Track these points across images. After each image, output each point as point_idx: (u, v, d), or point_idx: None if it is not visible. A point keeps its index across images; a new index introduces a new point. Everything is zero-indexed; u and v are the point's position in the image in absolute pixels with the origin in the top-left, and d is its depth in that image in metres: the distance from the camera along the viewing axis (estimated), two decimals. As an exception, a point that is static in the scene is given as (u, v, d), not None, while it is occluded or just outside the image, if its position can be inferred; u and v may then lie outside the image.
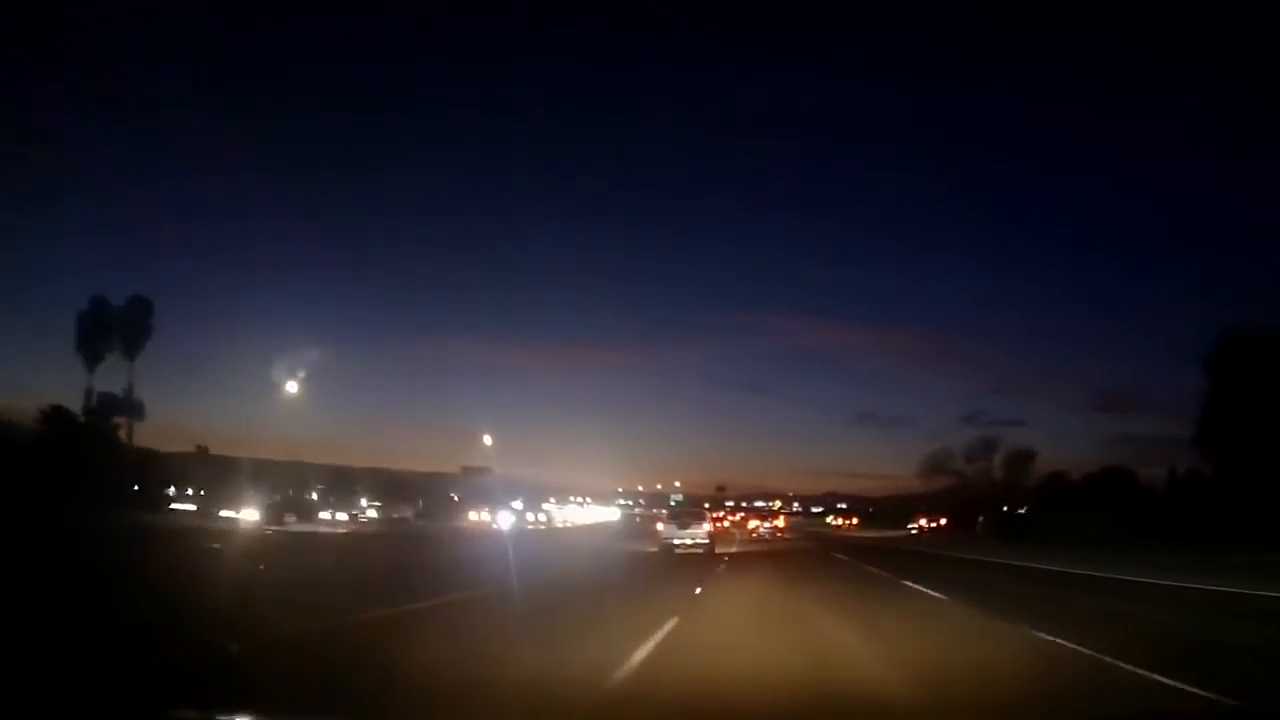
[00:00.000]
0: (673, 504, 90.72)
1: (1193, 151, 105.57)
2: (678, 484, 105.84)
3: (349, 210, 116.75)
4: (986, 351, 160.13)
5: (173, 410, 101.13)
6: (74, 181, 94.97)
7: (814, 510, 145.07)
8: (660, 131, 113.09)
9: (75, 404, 52.36)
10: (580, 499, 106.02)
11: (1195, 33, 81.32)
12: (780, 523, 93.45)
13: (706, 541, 37.57)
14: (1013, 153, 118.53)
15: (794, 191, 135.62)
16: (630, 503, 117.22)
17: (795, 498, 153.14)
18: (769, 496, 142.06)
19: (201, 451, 65.21)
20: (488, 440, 60.93)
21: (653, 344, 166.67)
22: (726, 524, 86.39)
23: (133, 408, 55.25)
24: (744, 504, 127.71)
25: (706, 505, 72.73)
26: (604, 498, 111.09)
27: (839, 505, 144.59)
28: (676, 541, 37.10)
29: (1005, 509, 72.42)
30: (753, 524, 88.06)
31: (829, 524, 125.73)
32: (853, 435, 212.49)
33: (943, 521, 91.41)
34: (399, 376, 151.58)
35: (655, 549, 37.49)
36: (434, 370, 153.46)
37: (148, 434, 59.27)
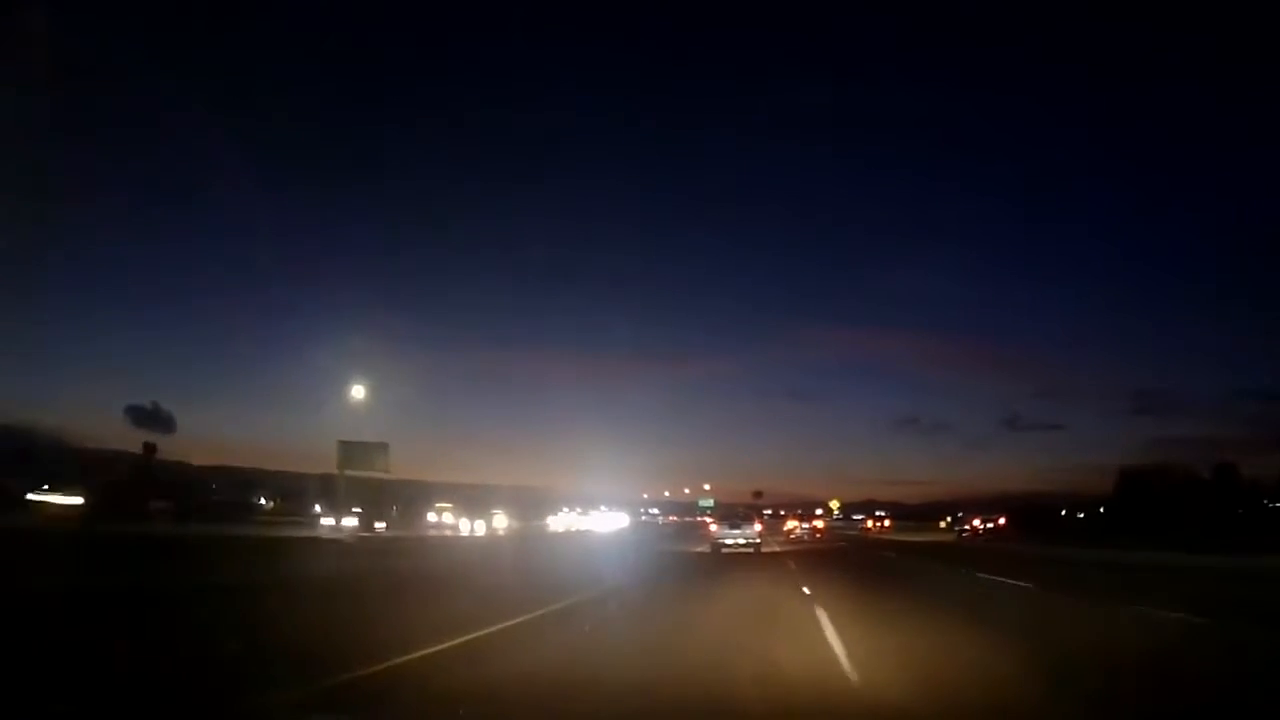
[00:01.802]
0: (702, 508, 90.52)
1: (1238, 153, 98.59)
2: (707, 487, 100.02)
3: (368, 219, 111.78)
4: (1025, 356, 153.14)
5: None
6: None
7: (854, 517, 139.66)
8: (699, 138, 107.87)
9: None
10: (585, 507, 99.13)
11: (1235, 33, 74.57)
12: (820, 524, 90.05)
13: (757, 541, 39.01)
14: (1055, 157, 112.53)
15: (832, 198, 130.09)
16: (655, 510, 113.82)
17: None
18: (807, 504, 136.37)
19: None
20: (358, 393, 35.96)
21: (690, 354, 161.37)
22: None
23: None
24: (781, 510, 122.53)
25: (740, 510, 69.54)
26: (632, 505, 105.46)
27: (877, 512, 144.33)
28: (728, 541, 38.43)
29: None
30: (790, 525, 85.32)
31: (862, 528, 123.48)
32: (892, 442, 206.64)
33: (1001, 522, 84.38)
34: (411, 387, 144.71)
35: (707, 548, 38.80)
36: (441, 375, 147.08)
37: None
